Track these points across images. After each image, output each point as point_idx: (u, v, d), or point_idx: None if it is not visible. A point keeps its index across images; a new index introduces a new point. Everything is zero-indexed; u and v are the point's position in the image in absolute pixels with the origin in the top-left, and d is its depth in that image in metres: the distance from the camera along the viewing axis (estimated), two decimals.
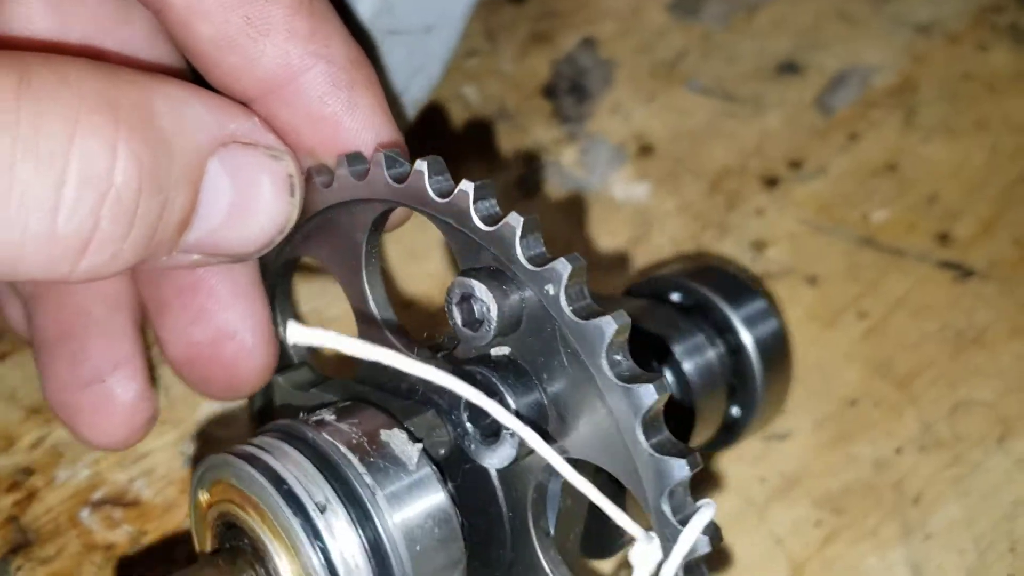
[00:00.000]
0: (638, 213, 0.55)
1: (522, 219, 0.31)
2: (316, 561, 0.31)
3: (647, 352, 0.41)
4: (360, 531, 0.32)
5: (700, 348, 0.43)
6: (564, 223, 0.55)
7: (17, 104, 0.27)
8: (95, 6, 0.36)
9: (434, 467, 0.34)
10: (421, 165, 0.33)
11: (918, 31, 0.62)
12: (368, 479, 0.32)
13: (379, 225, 0.37)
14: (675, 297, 0.45)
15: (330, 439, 0.33)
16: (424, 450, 0.34)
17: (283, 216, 0.34)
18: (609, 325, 0.29)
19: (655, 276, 0.47)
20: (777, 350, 0.45)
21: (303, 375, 0.40)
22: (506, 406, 0.32)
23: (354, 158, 0.35)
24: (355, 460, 0.33)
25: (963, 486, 0.46)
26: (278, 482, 0.32)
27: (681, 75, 0.61)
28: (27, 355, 0.47)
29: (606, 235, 0.55)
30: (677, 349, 0.42)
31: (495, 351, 0.33)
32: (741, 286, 0.45)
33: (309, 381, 0.39)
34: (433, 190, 0.33)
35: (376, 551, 0.32)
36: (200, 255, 0.33)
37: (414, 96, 0.54)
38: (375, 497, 0.32)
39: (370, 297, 0.37)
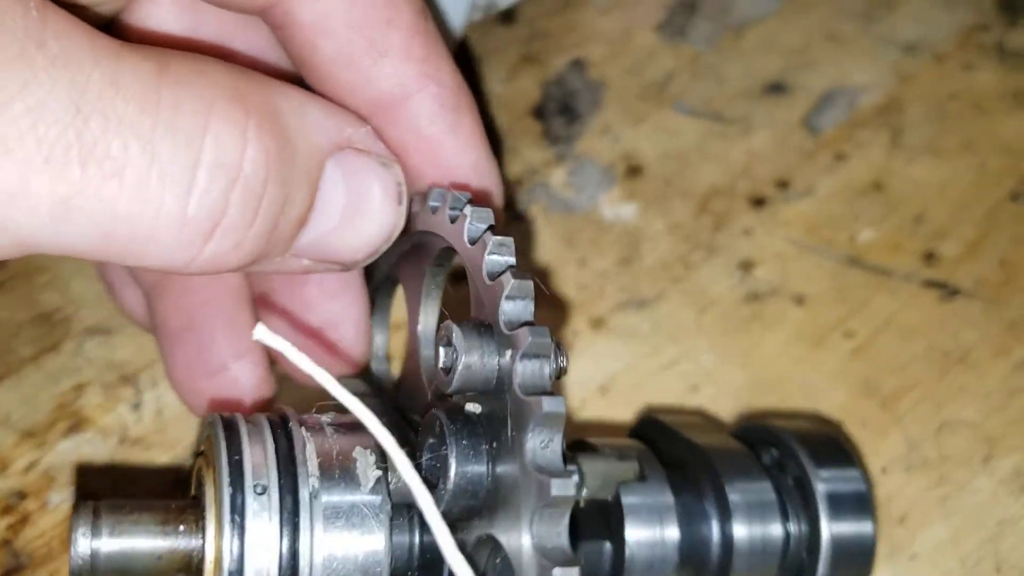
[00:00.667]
0: (627, 234, 0.56)
1: (514, 281, 0.31)
2: (228, 533, 0.31)
3: (701, 506, 0.38)
4: (283, 526, 0.32)
5: (764, 516, 0.39)
6: (552, 245, 0.55)
7: (158, 87, 0.29)
8: (223, 12, 0.37)
9: (388, 500, 0.33)
10: (466, 210, 0.34)
11: (905, 51, 0.63)
12: (315, 482, 0.33)
13: (442, 260, 0.39)
14: (772, 454, 0.41)
15: (304, 436, 0.34)
16: (387, 482, 0.34)
17: (390, 223, 0.35)
18: (543, 405, 0.29)
19: (766, 426, 0.43)
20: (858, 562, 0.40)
21: (357, 385, 0.41)
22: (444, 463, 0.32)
23: (437, 193, 0.36)
24: (314, 461, 0.33)
25: (949, 506, 0.46)
26: (233, 452, 0.33)
27: (670, 96, 0.61)
28: (22, 378, 0.47)
29: (595, 256, 0.55)
30: (736, 509, 0.38)
31: (469, 406, 0.33)
32: (850, 477, 0.40)
33: (360, 391, 0.40)
34: (467, 237, 0.33)
35: (291, 555, 0.32)
36: (310, 260, 0.34)
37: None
38: (313, 501, 0.32)
39: (420, 323, 0.39)
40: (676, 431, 0.41)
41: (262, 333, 0.33)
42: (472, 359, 0.31)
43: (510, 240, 0.33)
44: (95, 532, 0.32)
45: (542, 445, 0.29)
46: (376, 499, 0.33)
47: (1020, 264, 0.54)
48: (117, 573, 0.33)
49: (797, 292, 0.53)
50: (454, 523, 0.33)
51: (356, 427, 0.35)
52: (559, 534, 0.28)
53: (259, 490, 0.32)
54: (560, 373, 0.32)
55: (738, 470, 0.39)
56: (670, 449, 0.40)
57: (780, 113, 0.60)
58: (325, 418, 0.36)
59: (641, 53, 0.63)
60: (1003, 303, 0.52)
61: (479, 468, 0.31)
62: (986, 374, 0.50)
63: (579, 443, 0.39)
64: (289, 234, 0.32)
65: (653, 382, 0.50)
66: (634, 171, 0.58)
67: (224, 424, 0.34)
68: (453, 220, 0.35)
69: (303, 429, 0.34)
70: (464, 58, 0.62)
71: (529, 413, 0.29)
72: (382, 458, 0.34)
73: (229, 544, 0.31)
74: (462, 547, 0.30)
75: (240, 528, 0.31)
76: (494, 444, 0.31)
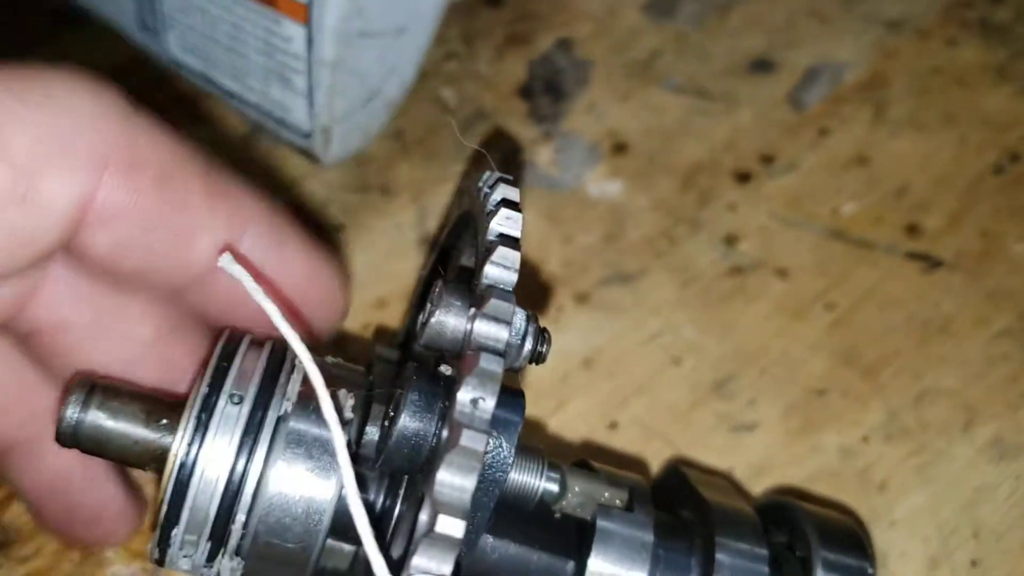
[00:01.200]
0: (612, 210, 0.56)
1: (501, 249, 0.32)
2: (191, 429, 0.32)
3: (685, 559, 0.36)
4: (244, 437, 0.32)
5: None
6: (539, 222, 0.55)
7: None
8: None
9: (353, 445, 0.33)
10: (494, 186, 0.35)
11: (888, 27, 0.63)
12: (289, 407, 0.33)
13: None
14: (785, 533, 0.39)
15: (297, 364, 0.34)
16: (361, 430, 0.34)
17: None
18: (480, 360, 0.29)
19: (784, 503, 0.41)
20: None
21: (391, 352, 0.42)
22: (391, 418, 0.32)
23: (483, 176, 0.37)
24: (296, 388, 0.33)
25: (927, 474, 0.47)
26: (224, 359, 0.34)
27: (655, 74, 0.62)
28: None
29: (580, 232, 0.55)
30: (721, 569, 0.35)
31: (442, 368, 0.33)
32: (855, 567, 0.37)
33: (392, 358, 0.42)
34: (486, 209, 0.35)
35: (243, 467, 0.32)
36: None
37: (387, 97, 0.55)
38: (280, 424, 0.32)
39: None
40: (691, 483, 0.39)
41: (227, 262, 0.33)
42: (444, 317, 0.31)
43: (518, 216, 0.33)
44: (84, 404, 0.34)
45: (471, 401, 0.29)
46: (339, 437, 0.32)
47: (1000, 235, 0.54)
48: (95, 445, 0.34)
49: (780, 265, 0.54)
50: (394, 475, 0.34)
51: (356, 376, 0.36)
52: (463, 489, 0.27)
53: (236, 399, 0.32)
54: (538, 357, 0.33)
55: (737, 534, 0.36)
56: (681, 499, 0.39)
57: (765, 90, 0.61)
58: (331, 359, 0.36)
59: (627, 32, 0.64)
60: (983, 274, 0.53)
61: (425, 426, 0.31)
62: (966, 343, 0.51)
63: (581, 462, 0.39)
64: None
65: (635, 355, 0.51)
66: (620, 148, 0.59)
67: (228, 337, 0.35)
68: (480, 195, 0.35)
69: (300, 362, 0.34)
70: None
71: (467, 369, 0.29)
72: (366, 409, 0.34)
73: (188, 439, 0.32)
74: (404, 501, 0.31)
75: (204, 427, 0.32)
76: (446, 404, 0.32)
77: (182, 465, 0.32)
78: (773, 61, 0.62)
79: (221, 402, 0.32)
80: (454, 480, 0.27)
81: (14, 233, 0.30)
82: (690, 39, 0.63)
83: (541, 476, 0.35)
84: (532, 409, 0.48)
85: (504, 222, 0.33)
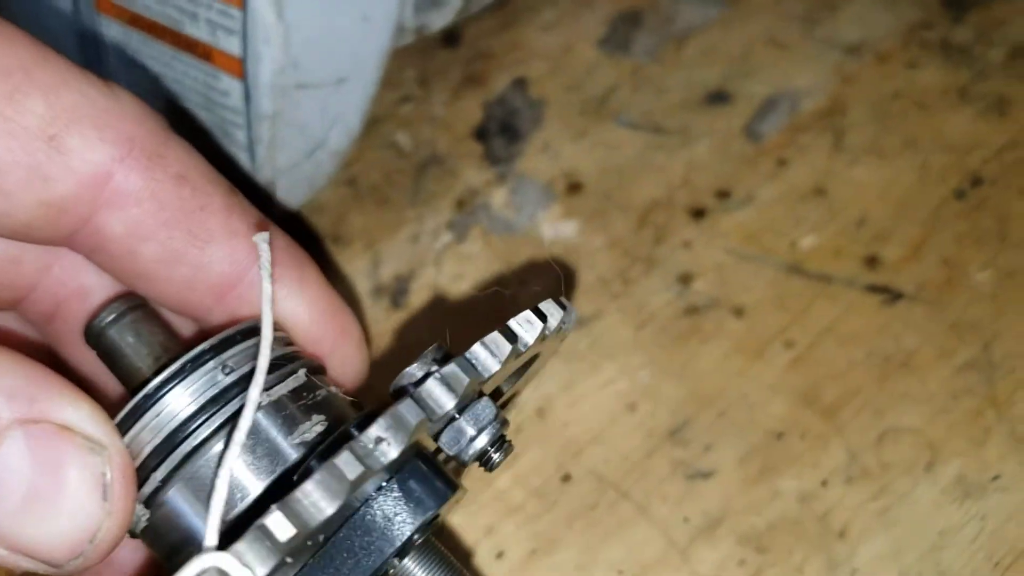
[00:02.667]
0: (567, 251, 0.55)
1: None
2: (168, 374, 0.32)
3: None
4: (208, 403, 0.32)
5: None
6: (493, 266, 0.54)
7: None
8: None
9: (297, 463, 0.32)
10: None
11: (848, 52, 0.62)
12: (264, 399, 0.32)
13: None
14: None
15: (303, 374, 0.34)
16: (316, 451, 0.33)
17: (91, 521, 0.30)
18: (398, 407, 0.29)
19: None
20: None
21: None
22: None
23: None
24: (285, 389, 0.33)
25: (890, 517, 0.45)
26: (245, 334, 0.34)
27: (610, 110, 0.61)
28: None
29: (535, 276, 0.54)
30: None
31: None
32: None
33: None
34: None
35: (192, 424, 0.32)
36: (4, 549, 0.30)
37: (333, 147, 0.54)
38: (244, 410, 0.32)
39: None
40: None
41: (261, 239, 0.35)
42: (412, 368, 0.32)
43: (538, 324, 0.33)
44: (120, 315, 0.36)
45: (376, 438, 0.29)
46: (289, 453, 0.32)
47: (963, 262, 0.53)
48: (107, 353, 0.36)
49: (736, 303, 0.52)
50: None
51: (343, 408, 0.35)
52: (317, 506, 0.28)
53: (226, 370, 0.33)
54: (487, 461, 0.33)
55: None
56: None
57: (721, 122, 0.59)
58: (334, 388, 0.35)
59: (582, 69, 0.63)
60: (945, 304, 0.51)
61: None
62: (928, 378, 0.49)
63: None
64: None
65: (590, 402, 0.49)
66: (574, 188, 0.58)
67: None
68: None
69: (312, 375, 0.34)
70: None
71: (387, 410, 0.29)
72: (333, 437, 0.33)
73: (164, 378, 0.32)
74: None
75: (183, 376, 0.32)
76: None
77: (145, 397, 0.32)
78: (729, 92, 0.61)
79: (211, 364, 0.33)
80: (314, 493, 0.27)
81: (35, 170, 0.31)
82: (645, 73, 0.62)
83: None
84: None
85: (523, 324, 0.33)
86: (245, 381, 0.32)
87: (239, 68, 0.49)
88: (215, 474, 0.30)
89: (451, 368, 0.30)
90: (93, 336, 0.36)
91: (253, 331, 0.35)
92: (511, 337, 0.32)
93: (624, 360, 0.51)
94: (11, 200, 0.32)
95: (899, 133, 0.58)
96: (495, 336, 0.31)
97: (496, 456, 0.33)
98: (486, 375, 0.31)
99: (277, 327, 0.36)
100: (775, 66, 0.62)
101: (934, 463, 0.47)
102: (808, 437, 0.48)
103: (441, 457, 0.34)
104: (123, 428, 0.32)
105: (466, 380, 0.30)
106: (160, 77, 0.53)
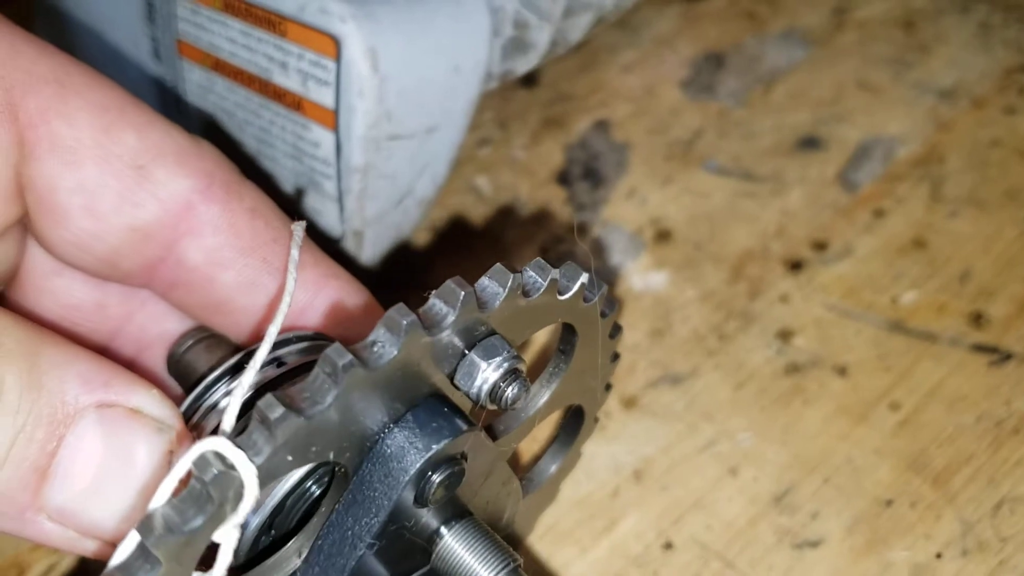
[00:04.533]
0: (658, 303, 0.54)
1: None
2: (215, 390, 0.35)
3: None
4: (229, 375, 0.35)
5: None
6: None
7: None
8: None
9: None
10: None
11: (942, 96, 0.60)
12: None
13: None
14: None
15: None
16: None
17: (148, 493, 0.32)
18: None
19: None
20: None
21: None
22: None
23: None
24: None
25: None
26: (299, 338, 0.36)
27: (697, 155, 0.59)
28: None
29: (625, 328, 0.53)
30: None
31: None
32: None
33: None
34: None
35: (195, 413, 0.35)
36: (56, 524, 0.31)
37: (420, 196, 0.53)
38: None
39: None
40: None
41: (299, 229, 0.36)
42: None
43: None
44: (193, 344, 0.39)
45: (371, 342, 0.29)
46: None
47: None
48: (179, 375, 0.39)
49: (839, 362, 0.51)
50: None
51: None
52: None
53: (280, 365, 0.34)
54: (499, 397, 0.32)
55: None
56: None
57: (814, 169, 0.58)
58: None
59: (666, 111, 0.62)
60: None
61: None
62: None
63: None
64: (24, 482, 0.30)
65: (689, 465, 0.48)
66: (663, 236, 0.56)
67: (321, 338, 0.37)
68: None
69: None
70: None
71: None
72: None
73: (218, 371, 0.35)
74: None
75: (237, 370, 0.34)
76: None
77: (205, 387, 0.35)
78: (821, 138, 0.59)
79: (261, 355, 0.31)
80: (310, 384, 0.28)
81: (125, 195, 0.34)
82: (732, 116, 0.61)
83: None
84: (583, 531, 0.46)
85: (534, 268, 0.33)
86: (294, 374, 0.33)
87: (331, 120, 0.48)
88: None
89: (447, 284, 0.30)
90: (173, 362, 0.39)
91: (308, 337, 0.36)
92: (516, 272, 0.32)
93: (724, 421, 0.49)
94: (102, 222, 0.34)
95: (1000, 183, 0.56)
96: (499, 266, 0.31)
97: (510, 390, 0.31)
98: (483, 294, 0.31)
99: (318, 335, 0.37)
100: (867, 111, 0.60)
101: None
102: (919, 506, 0.46)
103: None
104: (187, 416, 0.34)
105: (461, 293, 0.29)
106: (245, 124, 0.52)
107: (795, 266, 0.54)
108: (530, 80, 0.64)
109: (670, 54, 0.64)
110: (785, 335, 0.52)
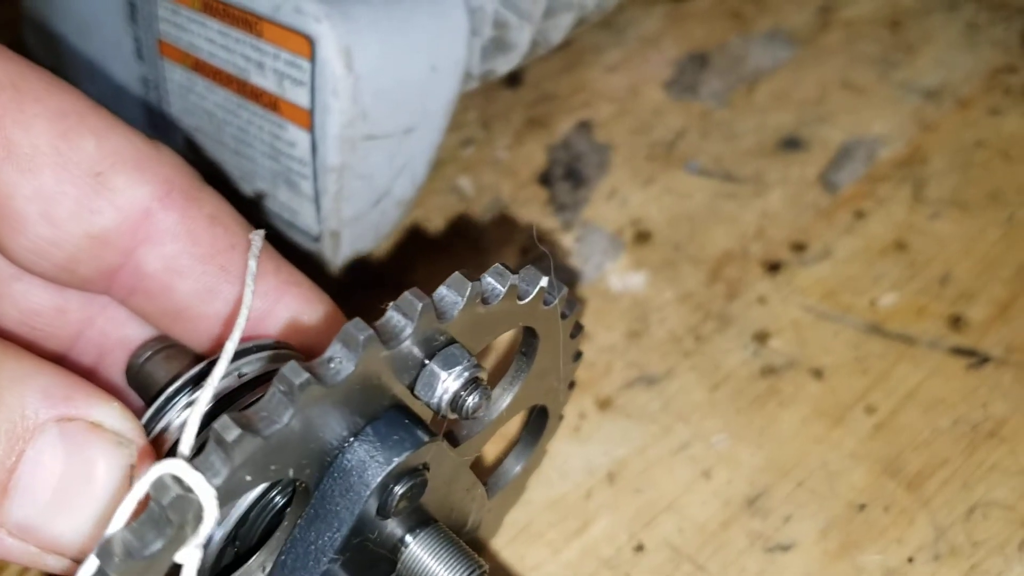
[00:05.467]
0: (636, 304, 0.54)
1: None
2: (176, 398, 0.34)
3: None
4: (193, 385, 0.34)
5: None
6: None
7: None
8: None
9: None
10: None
11: (927, 97, 0.60)
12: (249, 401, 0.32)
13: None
14: None
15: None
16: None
17: (108, 509, 0.31)
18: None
19: None
20: None
21: None
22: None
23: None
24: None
25: None
26: (259, 347, 0.35)
27: (679, 156, 0.59)
28: None
29: (602, 329, 0.53)
30: None
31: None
32: None
33: None
34: None
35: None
36: (16, 540, 0.31)
37: (398, 196, 0.53)
38: (227, 399, 0.32)
39: None
40: None
41: (257, 237, 0.36)
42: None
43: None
44: (152, 355, 0.39)
45: (328, 359, 0.28)
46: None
47: None
48: (139, 385, 0.39)
49: (815, 365, 0.50)
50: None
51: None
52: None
53: (241, 376, 0.34)
54: (461, 407, 0.31)
55: None
56: None
57: (795, 170, 0.58)
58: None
59: (649, 112, 0.61)
60: None
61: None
62: (1019, 449, 0.47)
63: None
64: None
65: (663, 468, 0.48)
66: (643, 237, 0.56)
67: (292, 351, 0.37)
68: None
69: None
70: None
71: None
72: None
73: (179, 382, 0.34)
74: None
75: (198, 381, 0.34)
76: None
77: (166, 399, 0.34)
78: (803, 138, 0.59)
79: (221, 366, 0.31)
80: (266, 403, 0.27)
81: (83, 202, 0.34)
82: (715, 117, 0.60)
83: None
84: (555, 532, 0.46)
85: (493, 274, 0.33)
86: (255, 384, 0.33)
87: (307, 120, 0.48)
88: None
89: (404, 296, 0.30)
90: (132, 373, 0.39)
91: (269, 347, 0.36)
92: (474, 280, 0.31)
93: (698, 423, 0.49)
94: (60, 230, 0.34)
95: (983, 184, 0.56)
96: (457, 275, 0.31)
97: (471, 399, 0.31)
98: (441, 304, 0.31)
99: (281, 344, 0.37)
100: (851, 111, 0.60)
101: None
102: (892, 510, 0.46)
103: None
104: (147, 428, 0.34)
105: (419, 304, 0.29)
106: (224, 124, 0.52)
107: (774, 267, 0.54)
108: (514, 80, 0.64)
109: (655, 54, 0.64)
110: (762, 337, 0.52)
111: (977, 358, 0.50)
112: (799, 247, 0.55)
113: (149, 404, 0.36)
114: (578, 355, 0.40)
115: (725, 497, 0.47)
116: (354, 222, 0.52)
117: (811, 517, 0.46)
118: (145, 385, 0.39)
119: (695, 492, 0.47)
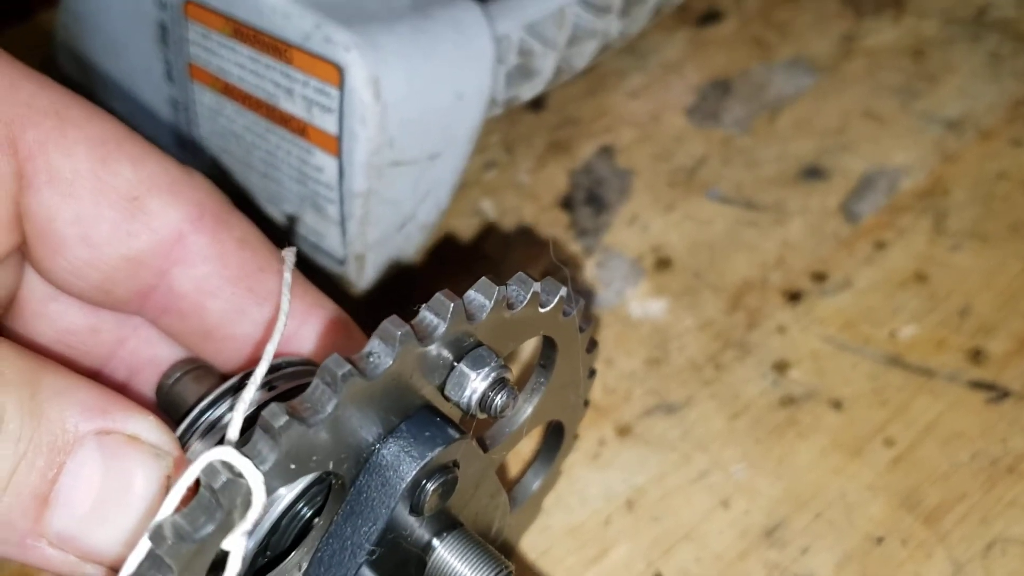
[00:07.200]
0: (656, 332, 0.54)
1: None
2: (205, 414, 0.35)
3: None
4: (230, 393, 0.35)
5: None
6: None
7: None
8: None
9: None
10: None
11: (948, 127, 0.60)
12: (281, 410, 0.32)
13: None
14: None
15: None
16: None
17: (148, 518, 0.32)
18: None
19: None
20: None
21: None
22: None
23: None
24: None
25: None
26: (290, 364, 0.36)
27: (700, 183, 0.59)
28: None
29: (622, 356, 0.53)
30: None
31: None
32: None
33: None
34: None
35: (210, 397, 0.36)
36: (57, 550, 0.32)
37: (422, 220, 0.54)
38: (263, 408, 0.32)
39: None
40: None
41: (289, 255, 0.36)
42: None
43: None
44: (181, 376, 0.40)
45: (367, 354, 0.29)
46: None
47: None
48: (168, 405, 0.40)
49: (834, 396, 0.51)
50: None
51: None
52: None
53: (272, 390, 0.35)
54: (489, 405, 0.32)
55: None
56: None
57: (816, 199, 0.58)
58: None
59: (671, 138, 0.62)
60: None
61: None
62: None
63: None
64: (25, 508, 0.31)
65: (682, 496, 0.48)
66: (663, 263, 0.56)
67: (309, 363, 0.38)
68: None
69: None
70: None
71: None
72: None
73: (212, 396, 0.36)
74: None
75: (231, 395, 0.35)
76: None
77: (200, 412, 0.35)
78: (825, 168, 0.59)
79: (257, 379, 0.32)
80: (311, 394, 0.28)
81: (120, 225, 0.36)
82: (736, 144, 0.61)
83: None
84: (575, 559, 0.46)
85: (516, 282, 0.34)
86: (283, 398, 0.34)
87: (334, 146, 0.49)
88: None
89: (436, 296, 0.31)
90: (163, 392, 0.39)
91: (299, 363, 0.37)
92: (501, 285, 0.33)
93: (717, 452, 0.49)
94: (98, 251, 0.36)
95: (1004, 217, 0.56)
96: (485, 280, 0.33)
97: (499, 399, 0.32)
98: (470, 306, 0.32)
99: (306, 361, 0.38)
100: (872, 141, 0.60)
101: None
102: (910, 544, 0.46)
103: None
104: (182, 441, 0.35)
105: (450, 304, 0.31)
106: (252, 147, 0.53)
107: (794, 297, 0.54)
108: (537, 104, 0.65)
109: (677, 80, 0.64)
110: (781, 367, 0.52)
111: (997, 392, 0.50)
112: (819, 277, 0.55)
113: (179, 422, 0.37)
114: (592, 372, 0.41)
115: (743, 527, 0.47)
116: (379, 246, 0.53)
117: (828, 549, 0.46)
118: (175, 404, 0.40)
119: (713, 521, 0.47)
